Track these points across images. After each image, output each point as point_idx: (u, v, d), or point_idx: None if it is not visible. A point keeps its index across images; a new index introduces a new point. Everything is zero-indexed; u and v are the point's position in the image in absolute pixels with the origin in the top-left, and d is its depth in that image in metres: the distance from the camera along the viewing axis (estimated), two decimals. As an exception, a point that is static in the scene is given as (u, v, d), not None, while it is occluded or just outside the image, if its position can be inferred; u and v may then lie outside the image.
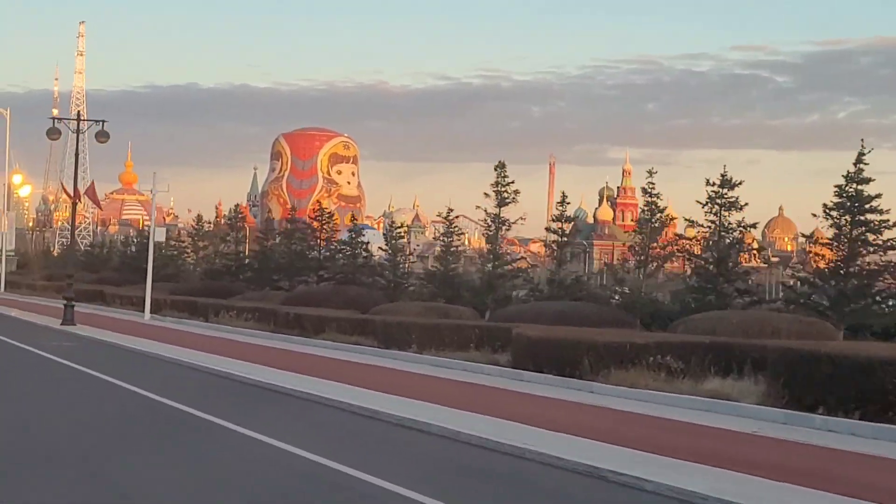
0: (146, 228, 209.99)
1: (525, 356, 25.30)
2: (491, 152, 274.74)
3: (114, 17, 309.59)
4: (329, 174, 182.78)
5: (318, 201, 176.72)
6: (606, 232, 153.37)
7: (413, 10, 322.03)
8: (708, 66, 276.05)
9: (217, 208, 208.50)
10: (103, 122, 41.92)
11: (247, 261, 64.85)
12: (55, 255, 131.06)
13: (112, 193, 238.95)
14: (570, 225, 41.90)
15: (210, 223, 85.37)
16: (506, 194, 41.92)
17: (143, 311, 50.17)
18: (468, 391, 21.70)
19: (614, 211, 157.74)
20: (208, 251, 72.47)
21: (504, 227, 42.52)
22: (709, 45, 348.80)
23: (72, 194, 41.95)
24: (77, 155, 41.95)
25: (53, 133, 41.95)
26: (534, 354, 24.83)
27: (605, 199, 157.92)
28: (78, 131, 41.55)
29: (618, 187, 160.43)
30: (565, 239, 40.83)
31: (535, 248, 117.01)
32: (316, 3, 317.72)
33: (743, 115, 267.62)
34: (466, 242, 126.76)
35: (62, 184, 42.69)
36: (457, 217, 49.22)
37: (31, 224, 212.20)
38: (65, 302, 41.37)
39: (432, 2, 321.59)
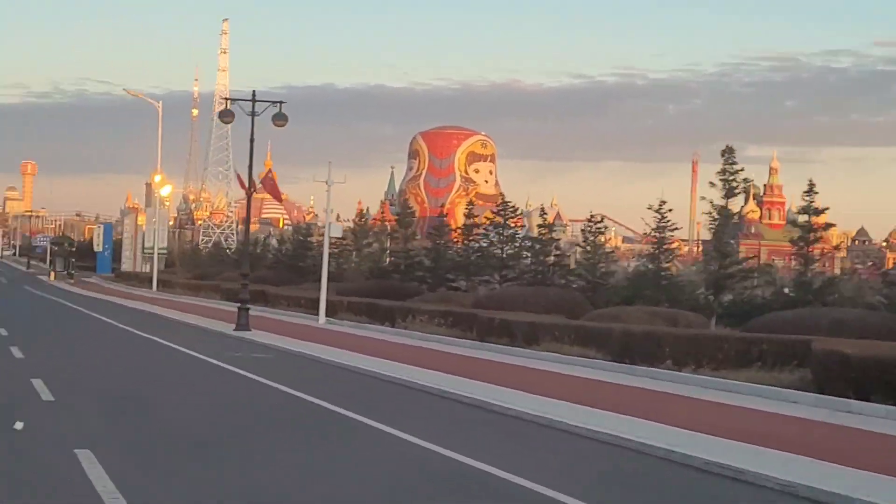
0: (287, 227, 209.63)
1: (836, 379, 19.94)
2: (626, 150, 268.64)
3: (250, 20, 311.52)
4: (466, 173, 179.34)
5: (453, 201, 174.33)
6: (753, 231, 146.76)
7: (548, 9, 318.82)
8: (848, 63, 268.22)
9: (358, 207, 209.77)
10: (281, 103, 37.44)
11: (417, 259, 60.27)
12: (204, 253, 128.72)
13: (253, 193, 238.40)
14: (822, 219, 36.14)
15: (378, 219, 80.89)
16: (734, 183, 36.53)
17: (313, 314, 45.90)
18: (835, 437, 16.11)
19: (760, 209, 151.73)
20: (373, 248, 68.22)
21: (731, 221, 37.06)
22: (849, 42, 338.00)
23: (246, 185, 37.34)
24: (252, 140, 37.43)
25: (226, 115, 37.63)
26: (852, 377, 19.52)
27: (751, 197, 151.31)
28: (253, 113, 37.08)
29: (763, 185, 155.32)
30: (816, 234, 35.10)
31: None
32: (451, 3, 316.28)
33: (886, 111, 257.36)
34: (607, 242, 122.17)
35: (237, 174, 37.28)
36: (600, 217, 46.68)
37: (170, 223, 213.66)
38: (239, 304, 36.94)
39: (567, 0, 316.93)
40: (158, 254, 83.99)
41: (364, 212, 71.41)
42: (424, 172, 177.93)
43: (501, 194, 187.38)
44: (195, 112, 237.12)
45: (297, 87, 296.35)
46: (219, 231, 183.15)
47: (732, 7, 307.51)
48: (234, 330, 36.12)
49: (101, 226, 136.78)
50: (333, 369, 25.12)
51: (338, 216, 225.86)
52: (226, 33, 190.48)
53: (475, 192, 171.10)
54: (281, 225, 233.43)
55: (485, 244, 54.46)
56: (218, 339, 34.28)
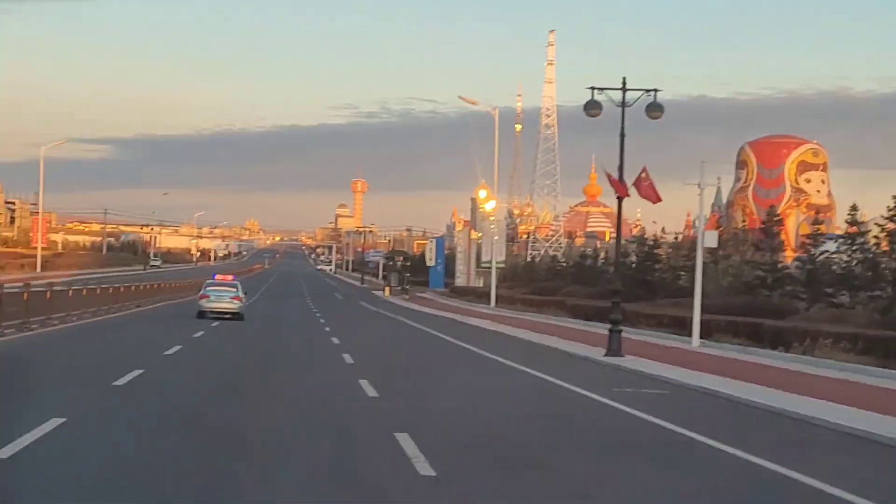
0: (612, 241, 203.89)
1: None
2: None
3: (571, 36, 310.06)
4: (797, 183, 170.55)
5: (784, 212, 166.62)
6: None
7: (876, 13, 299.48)
8: None
9: (686, 220, 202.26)
10: (655, 91, 32.14)
11: (786, 271, 53.59)
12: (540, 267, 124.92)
13: (576, 206, 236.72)
14: None
15: (742, 228, 74.36)
16: None
17: (679, 335, 40.46)
18: None
19: None
20: (731, 261, 61.90)
21: None
22: None
23: (619, 185, 32.11)
24: (622, 136, 32.29)
25: (593, 107, 32.43)
26: None
27: None
28: (623, 104, 31.97)
29: None
30: None
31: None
32: (771, 11, 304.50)
33: None
34: None
35: (607, 175, 31.76)
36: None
37: (496, 238, 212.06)
38: (610, 326, 31.78)
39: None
40: (496, 268, 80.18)
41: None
42: (753, 183, 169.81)
43: (833, 204, 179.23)
44: (518, 127, 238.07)
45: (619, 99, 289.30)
46: (546, 245, 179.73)
47: None
48: (605, 355, 31.03)
49: (434, 240, 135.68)
50: (769, 416, 19.33)
51: (662, 229, 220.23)
52: (552, 44, 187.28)
53: (806, 202, 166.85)
54: (607, 238, 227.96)
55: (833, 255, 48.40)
56: (590, 367, 29.31)
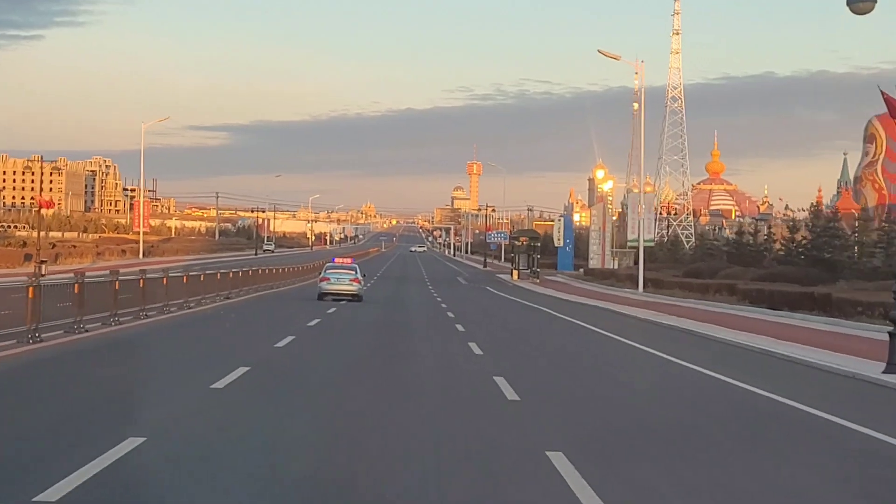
0: (739, 218, 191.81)
1: None
2: None
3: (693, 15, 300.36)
4: None
5: None
6: None
7: None
8: None
9: (818, 195, 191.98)
10: None
11: None
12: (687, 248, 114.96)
13: (699, 184, 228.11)
14: None
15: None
16: None
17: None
18: None
19: None
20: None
21: None
22: None
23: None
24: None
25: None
26: None
27: None
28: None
29: None
30: None
31: None
32: None
33: None
34: None
35: (883, 94, 21.43)
36: None
37: (615, 218, 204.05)
38: (892, 328, 21.48)
39: None
40: (644, 246, 70.24)
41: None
42: (882, 157, 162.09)
43: None
44: (636, 106, 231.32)
45: (737, 77, 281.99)
46: (674, 224, 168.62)
47: None
48: (886, 372, 21.00)
49: (561, 218, 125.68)
50: None
51: (786, 206, 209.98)
52: (678, 13, 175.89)
53: None
54: (732, 216, 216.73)
55: None
56: (871, 395, 19.31)
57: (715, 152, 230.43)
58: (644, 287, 66.14)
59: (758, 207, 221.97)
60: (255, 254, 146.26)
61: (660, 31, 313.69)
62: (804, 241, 66.38)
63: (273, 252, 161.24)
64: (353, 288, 48.47)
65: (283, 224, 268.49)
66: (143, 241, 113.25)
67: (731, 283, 55.37)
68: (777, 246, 75.67)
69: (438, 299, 56.29)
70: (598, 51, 63.38)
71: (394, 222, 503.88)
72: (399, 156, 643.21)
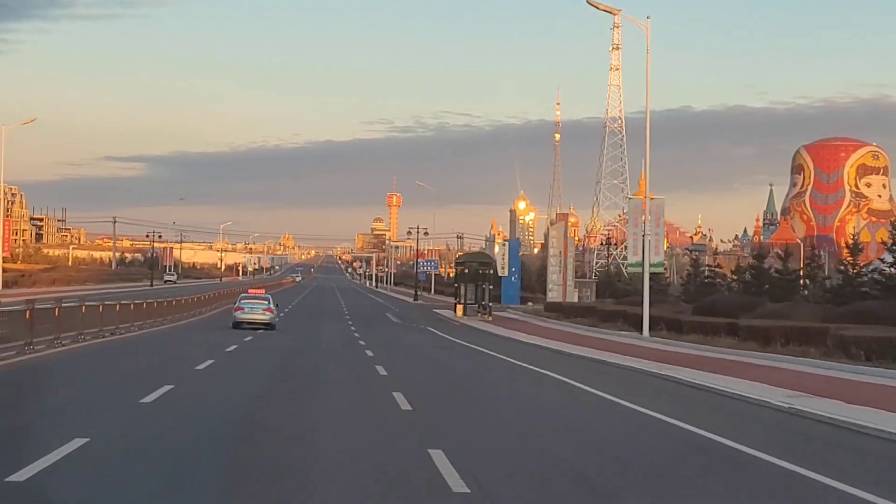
0: (671, 249, 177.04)
1: None
2: None
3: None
4: (857, 187, 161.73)
5: (843, 218, 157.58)
6: None
7: None
8: None
9: (756, 226, 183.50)
10: None
11: None
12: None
13: (624, 214, 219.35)
14: None
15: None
16: None
17: None
18: None
19: None
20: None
21: None
22: None
23: None
24: None
25: None
26: None
27: None
28: None
29: None
30: None
31: None
32: (808, 19, 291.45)
33: None
34: None
35: None
36: None
37: (537, 250, 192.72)
38: None
39: None
40: (652, 272, 52.37)
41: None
42: (810, 188, 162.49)
43: (895, 209, 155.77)
44: (558, 137, 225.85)
45: (655, 111, 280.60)
46: (615, 252, 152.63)
47: None
48: None
49: (506, 244, 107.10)
50: None
51: (710, 238, 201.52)
52: (618, 27, 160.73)
53: (867, 207, 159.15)
54: (665, 246, 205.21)
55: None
56: None
57: (642, 182, 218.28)
58: (651, 331, 48.40)
59: (690, 238, 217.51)
60: (151, 285, 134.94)
61: (580, 64, 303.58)
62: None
63: (175, 283, 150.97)
64: (266, 317, 50.55)
65: (196, 255, 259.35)
66: (13, 270, 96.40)
67: (805, 325, 37.79)
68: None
69: (363, 345, 40.08)
70: (588, 2, 47.15)
71: (312, 253, 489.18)
72: (318, 187, 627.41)
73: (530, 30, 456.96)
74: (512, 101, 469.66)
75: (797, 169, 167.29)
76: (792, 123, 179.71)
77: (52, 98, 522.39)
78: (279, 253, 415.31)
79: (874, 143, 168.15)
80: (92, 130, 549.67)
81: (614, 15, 55.10)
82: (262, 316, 50.29)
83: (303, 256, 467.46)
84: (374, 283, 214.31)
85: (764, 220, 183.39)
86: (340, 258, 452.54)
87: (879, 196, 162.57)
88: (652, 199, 51.40)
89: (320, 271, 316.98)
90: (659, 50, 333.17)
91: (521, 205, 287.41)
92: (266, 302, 51.52)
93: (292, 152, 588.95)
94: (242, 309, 50.82)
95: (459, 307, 77.60)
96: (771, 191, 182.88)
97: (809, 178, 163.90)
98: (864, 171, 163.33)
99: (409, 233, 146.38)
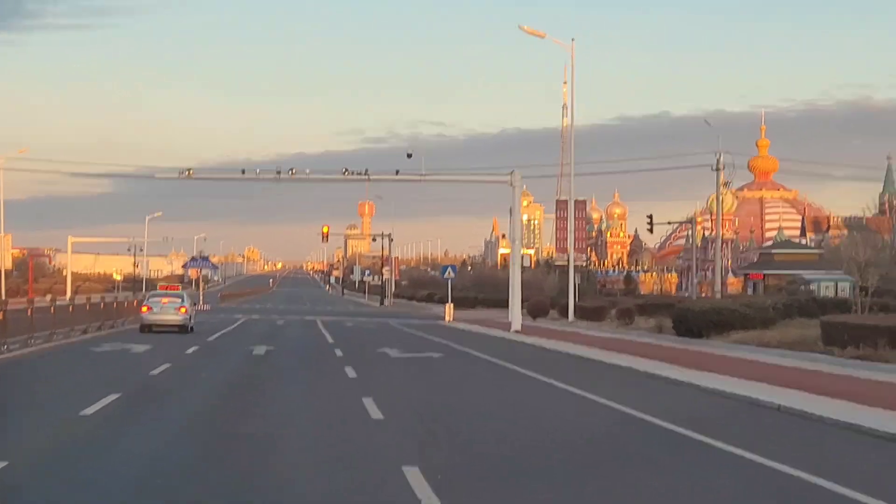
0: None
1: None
2: None
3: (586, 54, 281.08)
4: None
5: None
6: None
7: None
8: None
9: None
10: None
11: None
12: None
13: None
14: None
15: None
16: None
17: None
18: None
19: None
20: None
21: None
22: None
23: None
24: None
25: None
26: None
27: None
28: None
29: None
30: None
31: None
32: (795, 20, 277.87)
33: None
34: None
35: None
36: None
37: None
38: None
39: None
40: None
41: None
42: None
43: None
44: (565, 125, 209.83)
45: (635, 117, 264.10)
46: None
47: None
48: None
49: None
50: None
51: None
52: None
53: None
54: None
55: None
56: None
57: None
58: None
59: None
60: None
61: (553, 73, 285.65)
62: None
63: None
64: (179, 318, 45.13)
65: (100, 263, 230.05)
66: None
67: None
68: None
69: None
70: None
71: (279, 266, 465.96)
72: (288, 199, 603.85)
73: (508, 37, 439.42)
74: (487, 110, 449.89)
75: None
76: (772, 127, 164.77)
77: (20, 112, 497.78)
78: (241, 263, 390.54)
79: None
80: (59, 146, 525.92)
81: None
82: (174, 316, 45.03)
83: (265, 267, 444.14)
84: (382, 299, 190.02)
85: (880, 204, 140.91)
86: (312, 270, 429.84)
87: None
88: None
89: (286, 283, 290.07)
90: (638, 53, 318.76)
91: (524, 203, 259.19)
92: (179, 299, 46.31)
93: (262, 165, 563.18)
94: (150, 308, 45.59)
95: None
96: (889, 165, 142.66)
97: None
98: None
99: (375, 239, 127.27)
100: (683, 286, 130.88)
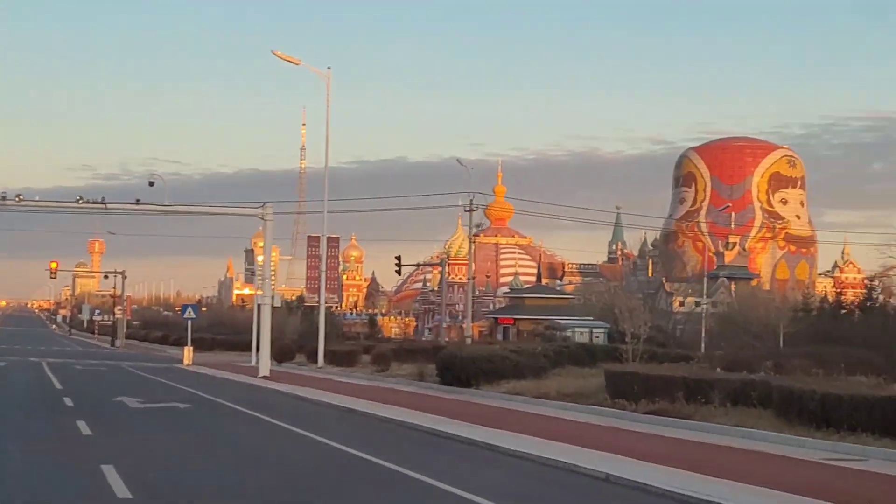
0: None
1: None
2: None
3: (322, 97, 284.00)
4: (770, 205, 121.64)
5: (753, 246, 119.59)
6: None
7: (622, 73, 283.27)
8: None
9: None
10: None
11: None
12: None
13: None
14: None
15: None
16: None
17: None
18: None
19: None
20: None
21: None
22: None
23: None
24: None
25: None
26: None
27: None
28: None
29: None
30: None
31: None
32: (525, 75, 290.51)
33: None
34: None
35: None
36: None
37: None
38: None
39: (639, 61, 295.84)
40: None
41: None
42: (705, 205, 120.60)
43: (816, 237, 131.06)
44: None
45: (370, 161, 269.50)
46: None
47: (826, 66, 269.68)
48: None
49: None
50: None
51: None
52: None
53: (784, 232, 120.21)
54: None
55: None
56: None
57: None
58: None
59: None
60: None
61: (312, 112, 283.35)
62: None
63: None
64: None
65: None
66: None
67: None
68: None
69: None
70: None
71: (3, 303, 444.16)
72: (12, 233, 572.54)
73: (255, 76, 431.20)
74: (222, 148, 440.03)
75: (686, 179, 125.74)
76: (506, 174, 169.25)
77: None
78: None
79: (786, 146, 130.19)
80: None
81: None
82: None
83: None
84: (114, 340, 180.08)
85: (609, 252, 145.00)
86: (38, 308, 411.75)
87: (798, 217, 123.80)
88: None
89: (9, 322, 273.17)
90: (374, 98, 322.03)
91: (259, 244, 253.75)
92: None
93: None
94: None
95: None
96: (617, 216, 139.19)
97: (705, 190, 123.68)
98: (777, 182, 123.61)
99: (107, 276, 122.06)
100: (420, 330, 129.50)
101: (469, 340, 60.65)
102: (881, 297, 45.98)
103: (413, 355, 50.66)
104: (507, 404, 30.02)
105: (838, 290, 43.97)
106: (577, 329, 54.03)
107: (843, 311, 41.41)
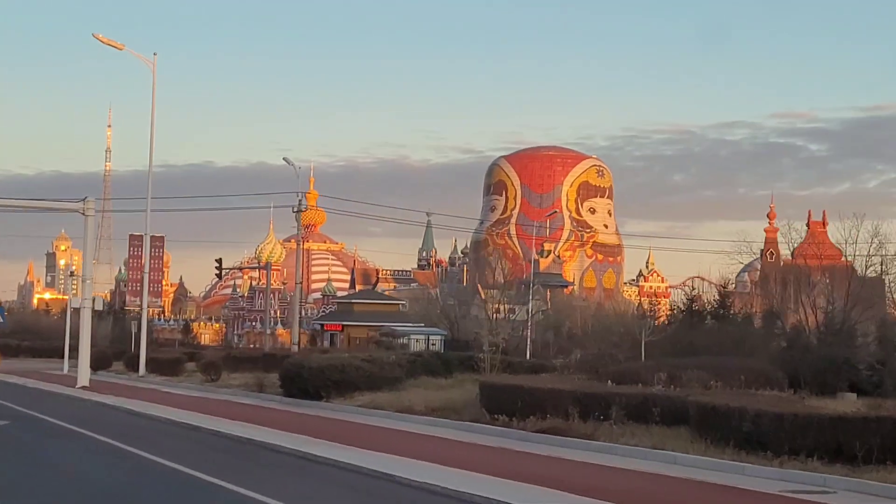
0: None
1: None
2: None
3: (133, 100, 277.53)
4: (579, 214, 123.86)
5: (562, 254, 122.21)
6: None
7: (432, 83, 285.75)
8: (742, 135, 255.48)
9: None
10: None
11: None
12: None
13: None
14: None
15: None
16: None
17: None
18: None
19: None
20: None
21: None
22: (747, 113, 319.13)
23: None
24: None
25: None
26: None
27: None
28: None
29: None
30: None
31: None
32: (335, 81, 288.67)
33: (771, 185, 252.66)
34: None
35: None
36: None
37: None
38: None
39: (450, 74, 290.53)
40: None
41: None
42: (516, 213, 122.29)
43: (623, 246, 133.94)
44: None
45: (177, 165, 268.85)
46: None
47: (631, 78, 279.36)
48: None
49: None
50: None
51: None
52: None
53: (592, 241, 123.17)
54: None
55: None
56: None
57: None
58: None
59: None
60: None
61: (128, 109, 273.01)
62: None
63: None
64: None
65: None
66: None
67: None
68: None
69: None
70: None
71: None
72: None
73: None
74: (27, 149, 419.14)
75: (496, 187, 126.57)
76: (317, 180, 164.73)
77: None
78: None
79: (594, 156, 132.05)
80: None
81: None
82: None
83: None
84: None
85: (420, 259, 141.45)
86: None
87: (606, 226, 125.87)
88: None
89: None
90: (185, 103, 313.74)
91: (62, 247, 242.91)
92: None
93: None
94: None
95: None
96: (429, 222, 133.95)
97: (516, 199, 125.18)
98: (587, 191, 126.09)
99: None
100: (230, 336, 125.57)
101: (295, 348, 57.69)
102: (734, 306, 45.45)
103: (242, 363, 47.74)
104: (367, 420, 27.54)
105: (690, 299, 43.10)
106: (413, 336, 52.05)
107: (695, 320, 40.44)
